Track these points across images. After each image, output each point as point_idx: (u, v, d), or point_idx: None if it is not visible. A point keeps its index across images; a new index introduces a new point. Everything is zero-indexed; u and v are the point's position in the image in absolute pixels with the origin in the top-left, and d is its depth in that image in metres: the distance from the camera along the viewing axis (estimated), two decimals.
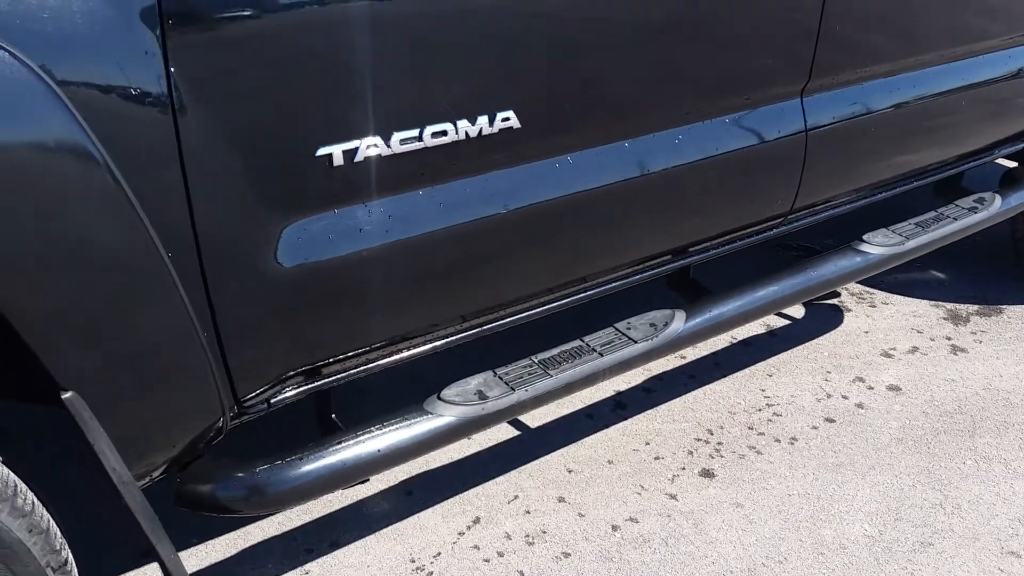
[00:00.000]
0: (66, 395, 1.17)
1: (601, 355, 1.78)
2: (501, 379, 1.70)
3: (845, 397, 2.54)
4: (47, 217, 1.09)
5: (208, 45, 1.19)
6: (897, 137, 2.22)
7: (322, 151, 1.34)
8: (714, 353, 2.72)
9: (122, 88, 1.14)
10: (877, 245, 2.23)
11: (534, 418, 2.40)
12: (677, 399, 2.51)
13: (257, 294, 1.38)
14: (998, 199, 2.47)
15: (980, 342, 2.82)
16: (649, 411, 2.46)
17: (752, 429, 2.40)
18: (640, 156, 1.74)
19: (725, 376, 2.62)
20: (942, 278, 3.20)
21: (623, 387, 2.55)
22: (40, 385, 1.18)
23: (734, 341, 2.79)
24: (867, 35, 2.00)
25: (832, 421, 2.43)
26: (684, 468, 2.24)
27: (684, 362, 2.68)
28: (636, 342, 1.82)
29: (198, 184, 1.24)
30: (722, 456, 2.29)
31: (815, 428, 2.41)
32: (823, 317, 2.94)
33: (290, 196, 1.36)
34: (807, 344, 2.80)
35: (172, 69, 1.17)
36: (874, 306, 3.02)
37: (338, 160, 1.35)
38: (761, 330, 2.85)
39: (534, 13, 1.49)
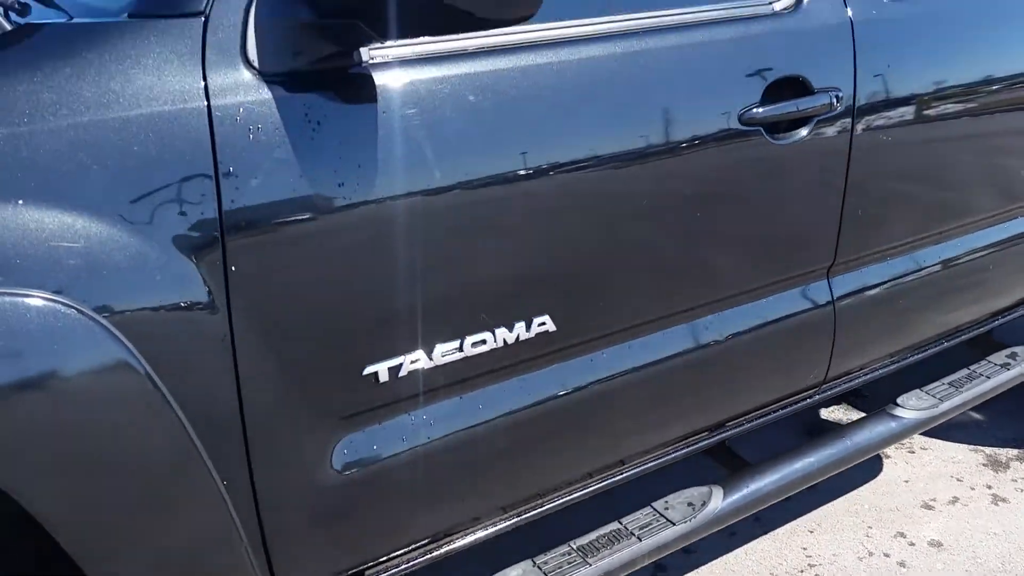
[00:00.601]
0: None
1: (640, 539, 1.80)
2: (540, 569, 1.72)
3: (887, 555, 2.50)
4: (102, 436, 1.16)
5: (263, 281, 1.28)
6: (926, 302, 2.26)
7: (369, 370, 1.41)
8: None
9: (182, 316, 1.23)
10: (912, 409, 2.24)
11: None
12: (718, 559, 2.49)
13: (305, 500, 1.43)
14: None
15: (1021, 490, 2.78)
16: (690, 574, 2.44)
17: None
18: (672, 343, 1.79)
19: (766, 533, 2.60)
20: (980, 420, 3.18)
21: None
22: None
23: None
24: (889, 215, 2.07)
25: None
26: None
27: None
28: (674, 524, 1.84)
29: (250, 399, 1.31)
30: None
31: None
32: (863, 465, 2.91)
33: (339, 411, 1.42)
34: (848, 496, 2.77)
35: (232, 302, 1.26)
36: (913, 452, 3.00)
37: (384, 377, 1.42)
38: None
39: (565, 225, 1.57)
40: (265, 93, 1.27)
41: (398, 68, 1.38)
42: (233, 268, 1.25)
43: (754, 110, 1.70)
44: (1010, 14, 2.20)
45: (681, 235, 1.73)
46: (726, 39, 1.70)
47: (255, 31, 1.28)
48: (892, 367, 2.29)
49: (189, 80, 1.22)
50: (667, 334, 1.78)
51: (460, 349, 1.49)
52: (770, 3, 1.77)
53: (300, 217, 1.30)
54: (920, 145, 2.06)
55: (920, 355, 2.34)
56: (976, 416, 3.19)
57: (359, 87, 1.35)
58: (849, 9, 1.84)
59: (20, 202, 1.12)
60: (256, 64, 1.28)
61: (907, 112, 1.97)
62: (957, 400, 2.30)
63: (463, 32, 1.33)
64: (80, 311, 1.14)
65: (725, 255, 1.81)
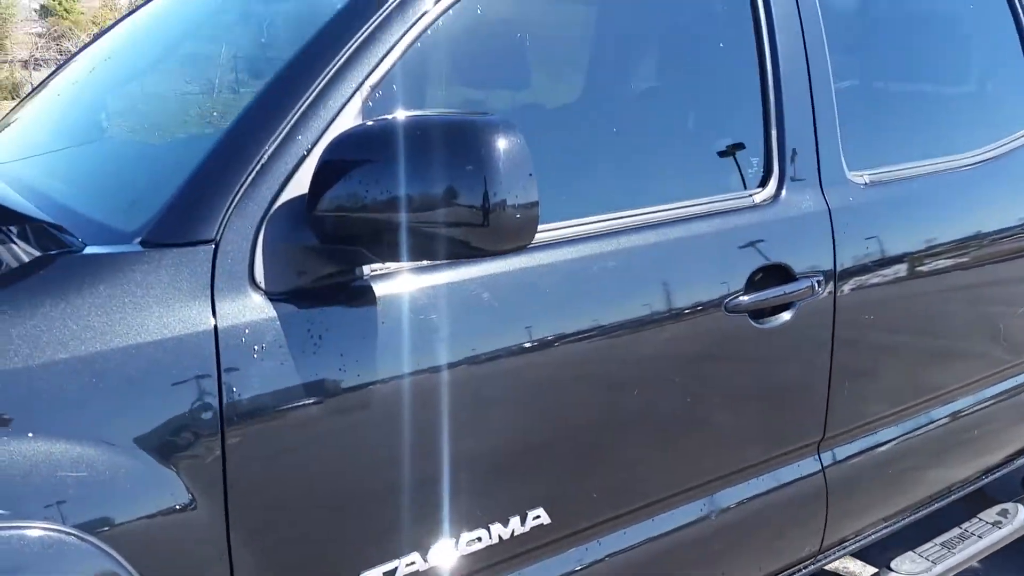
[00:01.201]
0: None
1: None
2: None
3: None
4: None
5: (261, 498, 1.32)
6: (918, 464, 2.29)
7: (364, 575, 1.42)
8: None
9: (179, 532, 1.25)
10: (906, 574, 2.24)
11: None
12: None
13: None
14: (1021, 511, 2.50)
15: None
16: None
17: None
18: (664, 524, 1.81)
19: None
20: (977, 568, 3.15)
21: None
22: None
23: None
24: (874, 389, 2.12)
25: None
26: None
27: None
28: None
29: None
30: None
31: None
32: None
33: None
34: None
35: (231, 520, 1.28)
36: None
37: None
38: None
39: (555, 414, 1.61)
40: (270, 312, 1.33)
41: (397, 277, 1.44)
42: (233, 487, 1.29)
43: (739, 298, 1.77)
44: (979, 192, 2.32)
45: (672, 419, 1.77)
46: (711, 232, 1.78)
47: (262, 255, 1.34)
48: (885, 531, 2.30)
49: (198, 306, 1.28)
50: (659, 517, 1.80)
51: (455, 548, 1.51)
52: (751, 195, 1.86)
53: (300, 436, 1.34)
54: (900, 321, 2.12)
55: (913, 517, 2.36)
56: (976, 565, 3.16)
57: (360, 298, 1.41)
58: (827, 198, 1.93)
59: (30, 435, 1.16)
60: (262, 285, 1.34)
61: (887, 291, 2.04)
62: (951, 562, 2.29)
63: (462, 258, 1.40)
64: (80, 537, 1.17)
65: (715, 436, 1.85)
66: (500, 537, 1.56)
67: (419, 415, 1.45)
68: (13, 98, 24.61)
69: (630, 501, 1.75)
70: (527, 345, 1.54)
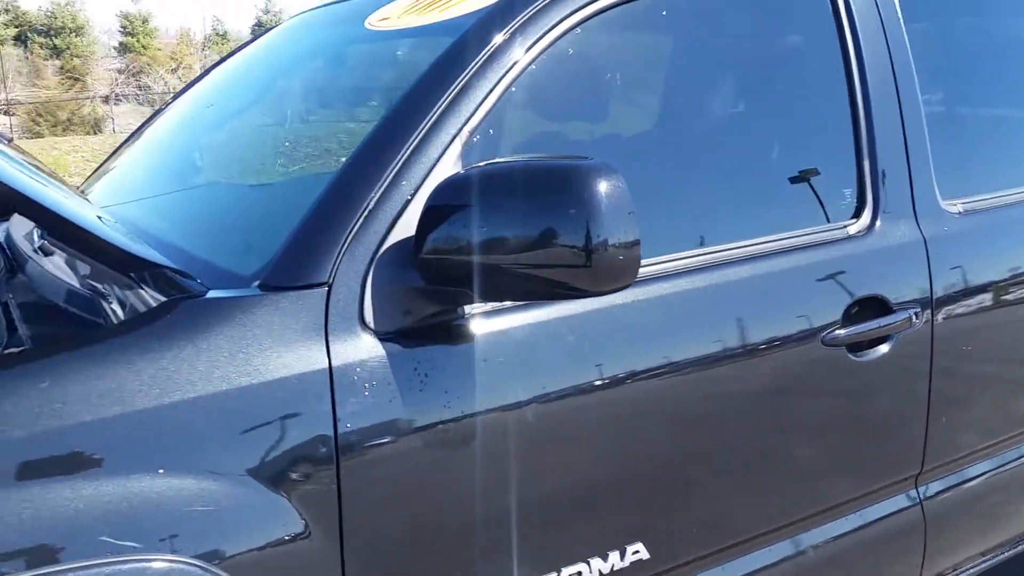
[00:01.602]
0: None
1: None
2: None
3: None
4: None
5: (374, 536, 1.36)
6: (1013, 498, 2.23)
7: None
8: None
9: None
10: None
11: None
12: None
13: None
14: None
15: None
16: None
17: None
18: (762, 558, 1.80)
19: None
20: None
21: None
22: None
23: None
24: (974, 420, 2.08)
25: None
26: None
27: None
28: None
29: None
30: None
31: None
32: None
33: None
34: None
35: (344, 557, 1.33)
36: None
37: None
38: None
39: (655, 448, 1.62)
40: (379, 351, 1.38)
41: (497, 316, 1.48)
42: (347, 518, 1.33)
43: (836, 331, 1.76)
44: None
45: (769, 454, 1.76)
46: (806, 265, 1.78)
47: (371, 297, 1.40)
48: (983, 565, 2.24)
49: (314, 346, 1.34)
50: (756, 552, 1.80)
51: None
52: (845, 227, 1.85)
53: (408, 469, 1.38)
54: (997, 350, 2.09)
55: (1012, 552, 2.29)
56: None
57: (462, 337, 1.45)
58: (921, 228, 1.92)
59: (161, 471, 1.22)
60: (371, 325, 1.39)
61: (984, 321, 2.01)
62: None
63: (564, 299, 1.43)
64: (205, 568, 1.22)
65: (812, 471, 1.84)
66: (600, 572, 1.57)
67: (519, 450, 1.48)
68: (95, 133, 25.67)
69: (727, 536, 1.75)
70: (624, 380, 1.56)
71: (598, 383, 1.54)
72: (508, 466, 1.47)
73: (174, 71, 33.70)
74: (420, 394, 1.40)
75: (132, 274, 1.33)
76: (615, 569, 1.59)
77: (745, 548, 1.77)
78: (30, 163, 1.73)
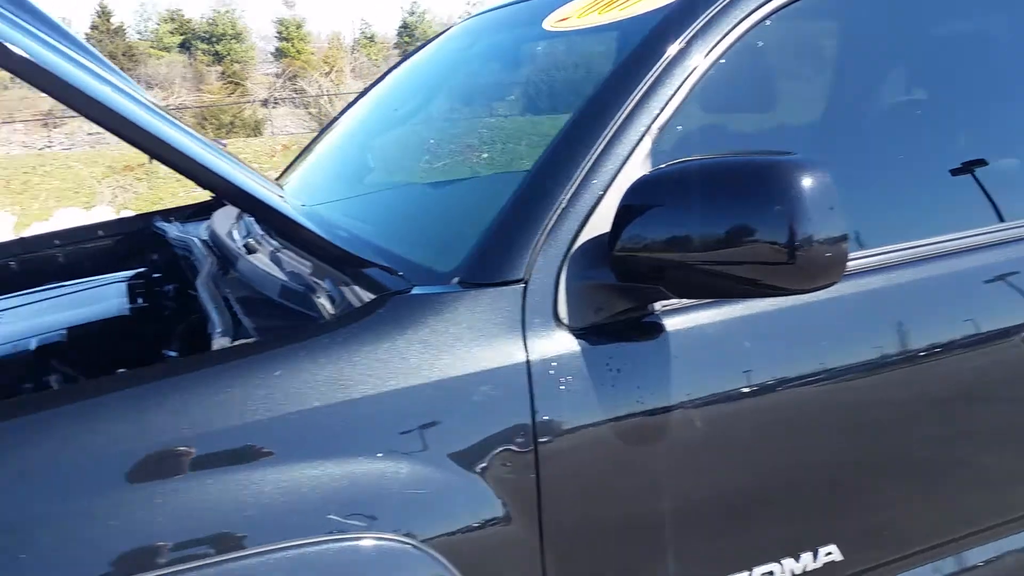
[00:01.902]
0: None
1: None
2: None
3: None
4: None
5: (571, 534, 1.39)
6: None
7: None
8: None
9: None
10: None
11: None
12: None
13: None
14: None
15: None
16: None
17: None
18: (956, 564, 1.73)
19: None
20: None
21: None
22: None
23: None
24: None
25: None
26: None
27: None
28: None
29: None
30: None
31: None
32: None
33: None
34: None
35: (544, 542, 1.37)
36: None
37: None
38: None
39: (852, 450, 1.59)
40: (574, 347, 1.41)
41: (688, 312, 1.48)
42: (546, 505, 1.37)
43: None
44: None
45: (968, 454, 1.69)
46: (1003, 260, 1.69)
47: (564, 293, 1.43)
48: None
49: (512, 341, 1.38)
50: (951, 557, 1.73)
51: None
52: None
53: (603, 461, 1.41)
54: None
55: None
56: None
57: (654, 333, 1.46)
58: None
59: (379, 455, 1.30)
60: (565, 321, 1.42)
61: None
62: None
63: (758, 297, 1.42)
64: (417, 547, 1.29)
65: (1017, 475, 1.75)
66: (792, 572, 1.55)
67: (711, 446, 1.48)
68: (256, 135, 27.13)
69: (923, 540, 1.69)
70: (819, 377, 1.53)
71: (790, 379, 1.52)
72: (700, 462, 1.47)
73: (327, 74, 35.21)
74: (613, 389, 1.42)
75: (347, 271, 1.42)
76: (808, 570, 1.56)
77: (938, 552, 1.70)
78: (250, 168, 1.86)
